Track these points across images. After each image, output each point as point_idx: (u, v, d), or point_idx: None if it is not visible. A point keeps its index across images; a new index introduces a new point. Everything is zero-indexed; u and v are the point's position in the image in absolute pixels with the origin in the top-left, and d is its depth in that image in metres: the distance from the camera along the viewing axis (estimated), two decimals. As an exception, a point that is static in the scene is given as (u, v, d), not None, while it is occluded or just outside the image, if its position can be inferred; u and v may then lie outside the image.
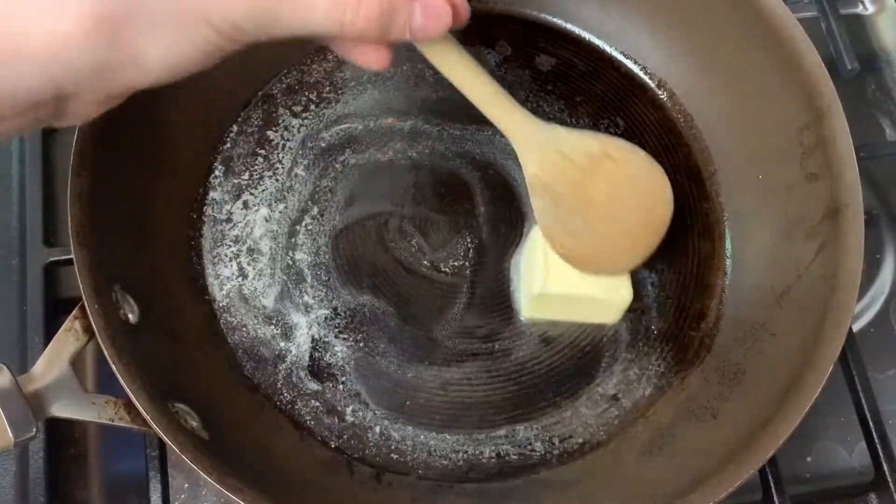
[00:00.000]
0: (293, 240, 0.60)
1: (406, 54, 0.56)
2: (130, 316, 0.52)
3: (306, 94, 0.64)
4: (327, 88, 0.65)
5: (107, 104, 0.43)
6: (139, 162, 0.56)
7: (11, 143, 0.63)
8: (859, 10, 0.77)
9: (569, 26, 0.67)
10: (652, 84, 0.66)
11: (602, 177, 0.55)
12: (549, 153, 0.54)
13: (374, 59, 0.46)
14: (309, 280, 0.59)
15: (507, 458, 0.56)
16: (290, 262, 0.59)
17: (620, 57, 0.67)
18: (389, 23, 0.43)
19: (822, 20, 0.72)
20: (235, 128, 0.63)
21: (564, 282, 0.56)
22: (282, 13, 0.40)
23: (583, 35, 0.67)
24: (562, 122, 0.64)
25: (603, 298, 0.57)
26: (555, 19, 0.68)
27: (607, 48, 0.67)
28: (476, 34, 0.67)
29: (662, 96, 0.66)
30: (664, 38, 0.65)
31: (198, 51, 0.40)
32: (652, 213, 0.56)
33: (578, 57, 0.67)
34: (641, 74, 0.66)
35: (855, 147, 0.54)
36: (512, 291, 0.59)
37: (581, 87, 0.66)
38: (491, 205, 0.62)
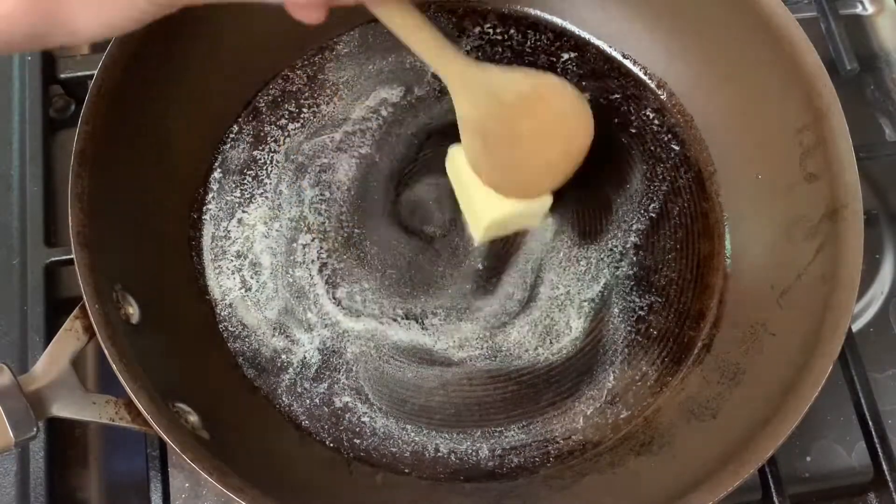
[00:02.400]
0: (292, 257, 0.60)
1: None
2: (131, 315, 0.52)
3: (287, 106, 0.64)
4: (306, 95, 0.64)
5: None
6: (140, 162, 0.56)
7: (12, 142, 0.63)
8: (859, 10, 0.77)
9: (569, 26, 0.67)
10: (652, 84, 0.66)
11: (530, 114, 0.56)
12: (481, 95, 0.55)
13: (309, 16, 0.47)
14: (311, 296, 0.59)
15: (506, 457, 0.56)
16: (291, 280, 0.59)
17: (620, 57, 0.67)
18: None
19: (822, 20, 0.72)
20: (235, 128, 0.63)
21: (497, 207, 0.59)
22: None
23: (583, 35, 0.67)
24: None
25: (529, 208, 0.59)
26: (555, 19, 0.68)
27: (607, 48, 0.67)
28: (476, 32, 0.67)
29: (662, 96, 0.66)
30: (664, 39, 0.65)
31: (127, 19, 0.43)
32: (572, 145, 0.58)
33: (579, 57, 0.67)
34: (641, 74, 0.66)
35: (854, 147, 0.54)
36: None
37: (581, 87, 0.66)
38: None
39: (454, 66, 0.54)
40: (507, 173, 0.58)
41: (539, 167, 0.58)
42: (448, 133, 0.60)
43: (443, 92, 0.64)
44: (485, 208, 0.59)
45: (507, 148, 0.57)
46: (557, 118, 0.57)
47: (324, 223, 0.61)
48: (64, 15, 0.41)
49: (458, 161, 0.59)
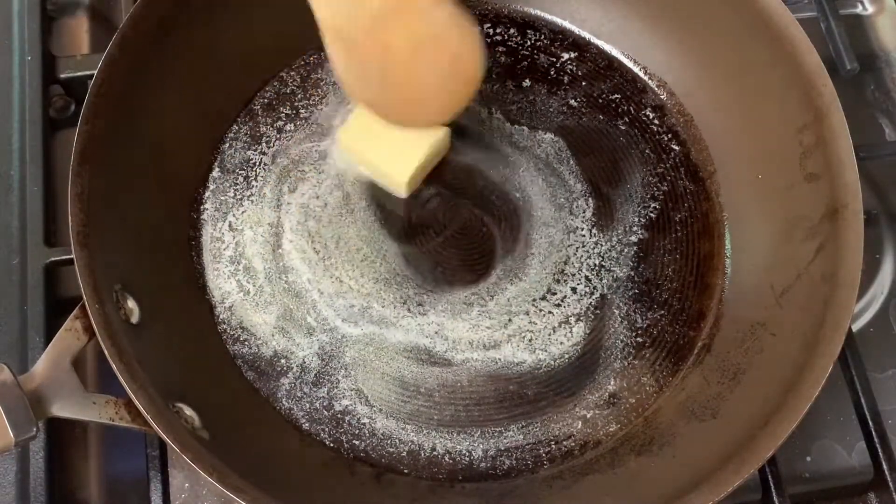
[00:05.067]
0: (282, 263, 0.60)
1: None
2: (131, 315, 0.52)
3: (282, 109, 0.64)
4: (300, 97, 0.64)
5: None
6: (139, 162, 0.57)
7: (12, 142, 0.63)
8: (859, 10, 0.77)
9: (568, 25, 0.67)
10: (652, 84, 0.66)
11: (400, 25, 0.53)
12: None
13: None
14: (308, 301, 0.59)
15: (506, 457, 0.56)
16: (286, 286, 0.59)
17: (620, 57, 0.67)
18: None
19: (822, 20, 0.72)
20: (234, 128, 0.63)
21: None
22: None
23: (582, 34, 0.67)
24: (561, 121, 0.65)
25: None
26: (554, 18, 0.68)
27: (607, 48, 0.67)
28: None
29: (662, 96, 0.66)
30: (664, 38, 0.65)
31: None
32: (457, 67, 0.55)
33: (579, 57, 0.67)
34: (641, 74, 0.66)
35: (854, 147, 0.54)
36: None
37: (581, 87, 0.66)
38: (480, 208, 0.62)
39: None
40: (382, 91, 0.55)
41: (420, 88, 0.55)
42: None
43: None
44: (398, 169, 0.58)
45: (377, 60, 0.53)
46: (434, 34, 0.54)
47: (305, 230, 0.61)
48: None
49: (351, 135, 0.59)
